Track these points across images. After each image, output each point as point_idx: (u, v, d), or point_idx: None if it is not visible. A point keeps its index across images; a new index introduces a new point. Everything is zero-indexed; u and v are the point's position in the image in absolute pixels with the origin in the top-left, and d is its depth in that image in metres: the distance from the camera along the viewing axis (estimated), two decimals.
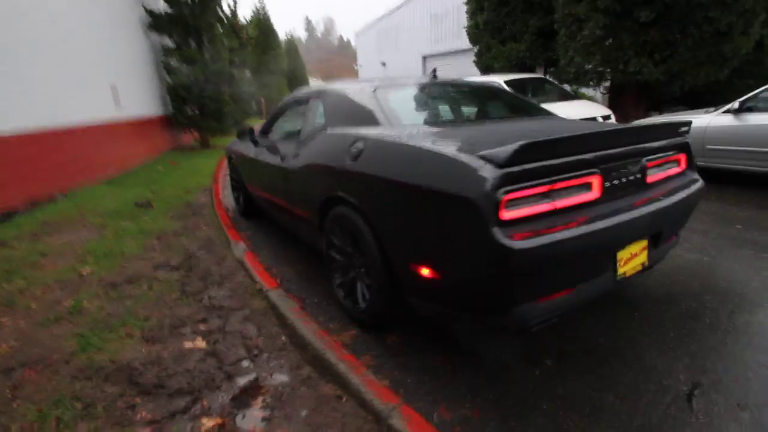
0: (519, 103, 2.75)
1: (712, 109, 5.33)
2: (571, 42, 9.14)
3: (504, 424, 1.63)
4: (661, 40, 7.84)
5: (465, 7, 20.22)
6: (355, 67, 30.64)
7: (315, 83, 50.11)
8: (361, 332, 2.30)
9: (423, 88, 2.70)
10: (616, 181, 1.67)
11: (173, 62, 10.44)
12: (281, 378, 1.98)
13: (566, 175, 1.51)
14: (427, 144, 1.70)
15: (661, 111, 9.69)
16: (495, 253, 1.37)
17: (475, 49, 12.32)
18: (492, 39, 11.06)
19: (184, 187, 6.66)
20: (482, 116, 2.66)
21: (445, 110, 2.71)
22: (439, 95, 2.75)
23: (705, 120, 5.06)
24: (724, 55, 7.66)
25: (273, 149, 3.22)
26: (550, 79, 9.16)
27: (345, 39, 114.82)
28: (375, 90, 2.38)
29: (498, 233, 1.36)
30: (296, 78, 35.57)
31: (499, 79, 7.93)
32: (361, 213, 1.97)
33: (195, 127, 11.05)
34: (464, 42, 21.37)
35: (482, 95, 2.86)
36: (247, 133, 3.73)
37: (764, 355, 2.00)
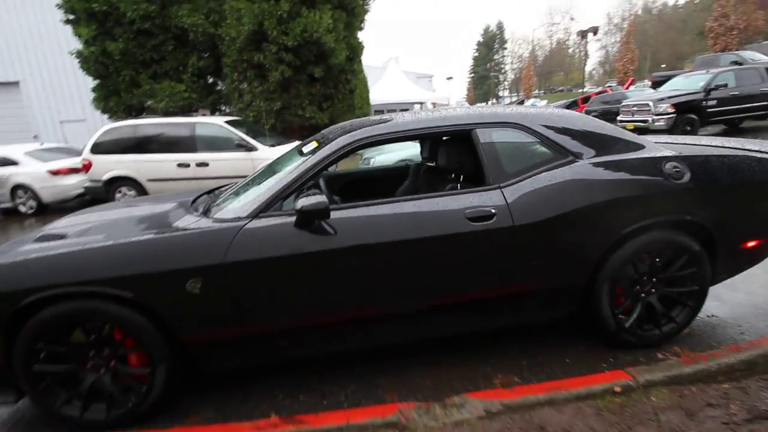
0: None
1: None
2: (248, 87, 9.46)
3: None
4: (324, 93, 9.99)
5: None
6: None
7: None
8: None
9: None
10: None
11: None
12: None
13: None
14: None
15: None
16: None
17: (93, 83, 9.52)
18: (137, 73, 9.12)
19: None
20: None
21: None
22: None
23: None
24: (354, 106, 10.93)
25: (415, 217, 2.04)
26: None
27: None
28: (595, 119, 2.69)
29: None
30: None
31: (219, 121, 7.13)
32: (689, 227, 2.21)
33: None
34: None
35: None
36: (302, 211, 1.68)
37: None
